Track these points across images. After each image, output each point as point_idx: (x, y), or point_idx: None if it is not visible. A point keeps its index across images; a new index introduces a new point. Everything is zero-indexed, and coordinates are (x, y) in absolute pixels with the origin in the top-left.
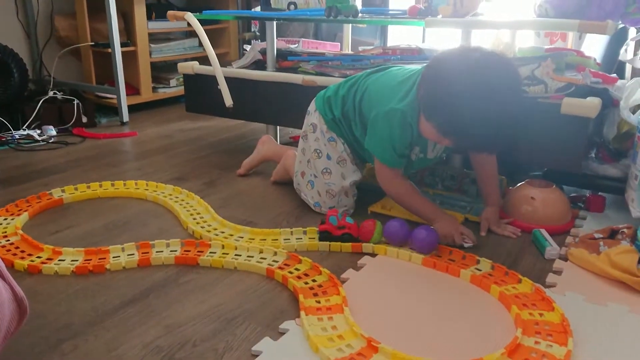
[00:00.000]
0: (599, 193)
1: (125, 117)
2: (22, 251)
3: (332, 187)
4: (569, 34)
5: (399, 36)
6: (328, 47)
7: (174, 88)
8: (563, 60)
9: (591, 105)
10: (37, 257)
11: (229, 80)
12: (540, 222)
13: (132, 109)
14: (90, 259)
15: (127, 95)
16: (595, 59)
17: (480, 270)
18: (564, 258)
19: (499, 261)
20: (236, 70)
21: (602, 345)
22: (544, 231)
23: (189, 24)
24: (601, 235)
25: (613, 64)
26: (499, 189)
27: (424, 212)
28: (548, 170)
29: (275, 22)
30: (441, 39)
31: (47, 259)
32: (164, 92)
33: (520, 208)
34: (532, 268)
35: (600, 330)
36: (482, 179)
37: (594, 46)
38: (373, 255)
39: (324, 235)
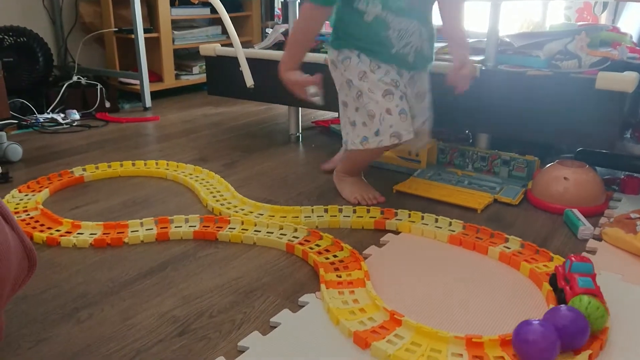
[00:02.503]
0: (634, 175)
1: (148, 102)
2: (42, 225)
3: (371, 109)
4: (602, 17)
5: None
6: None
7: (197, 75)
8: (597, 35)
9: (628, 79)
10: (56, 230)
11: (251, 61)
12: (572, 203)
13: (154, 95)
14: (109, 233)
15: (150, 81)
16: (631, 36)
17: (509, 248)
18: (598, 238)
19: (528, 241)
20: (257, 51)
21: None
22: (576, 211)
23: (211, 11)
24: (638, 216)
25: None
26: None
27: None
28: (580, 151)
29: (297, 2)
30: (469, 18)
31: (66, 232)
32: (187, 79)
33: (552, 188)
34: (564, 248)
35: (638, 309)
36: (447, 12)
37: (629, 27)
38: (396, 232)
39: (552, 278)
